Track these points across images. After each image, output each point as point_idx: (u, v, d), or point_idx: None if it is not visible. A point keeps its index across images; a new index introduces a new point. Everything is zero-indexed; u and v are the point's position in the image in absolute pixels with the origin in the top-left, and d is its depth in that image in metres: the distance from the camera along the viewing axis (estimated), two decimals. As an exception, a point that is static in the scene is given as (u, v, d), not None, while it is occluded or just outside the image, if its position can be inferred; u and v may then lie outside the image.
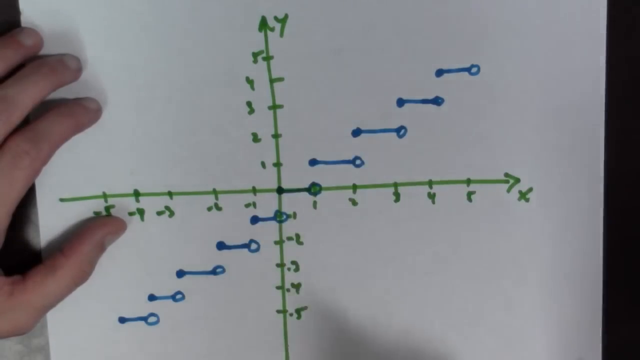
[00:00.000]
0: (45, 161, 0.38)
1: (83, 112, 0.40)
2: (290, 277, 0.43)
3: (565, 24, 0.40)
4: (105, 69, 0.40)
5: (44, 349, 0.43)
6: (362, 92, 0.41)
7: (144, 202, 0.42)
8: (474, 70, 0.41)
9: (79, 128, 0.40)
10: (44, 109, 0.39)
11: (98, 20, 0.40)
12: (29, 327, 0.39)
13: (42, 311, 0.39)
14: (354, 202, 0.42)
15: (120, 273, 0.42)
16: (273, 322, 0.43)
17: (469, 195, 0.42)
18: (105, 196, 0.41)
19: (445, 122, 0.41)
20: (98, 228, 0.41)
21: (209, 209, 0.42)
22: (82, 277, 0.40)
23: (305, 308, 0.43)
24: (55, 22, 0.40)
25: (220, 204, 0.42)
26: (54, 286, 0.39)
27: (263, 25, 0.40)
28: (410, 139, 0.41)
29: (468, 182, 0.42)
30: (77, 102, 0.40)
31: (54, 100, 0.40)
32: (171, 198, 0.42)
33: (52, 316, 0.42)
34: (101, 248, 0.40)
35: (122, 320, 0.42)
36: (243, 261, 0.42)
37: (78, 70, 0.40)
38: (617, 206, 0.42)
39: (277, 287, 0.43)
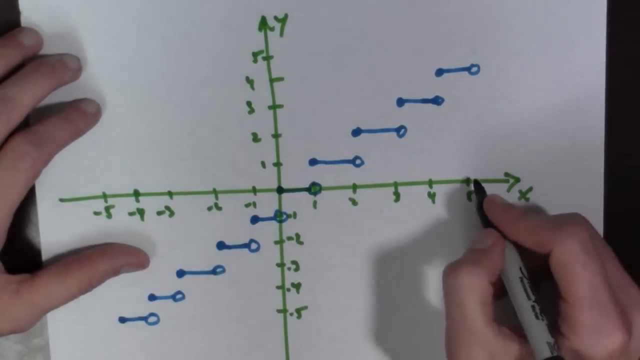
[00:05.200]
0: (45, 164, 0.38)
1: (82, 119, 0.40)
2: (291, 277, 0.43)
3: (565, 24, 0.40)
4: (105, 69, 0.40)
5: (44, 349, 0.43)
6: (362, 92, 0.41)
7: (144, 202, 0.42)
8: (474, 69, 0.41)
9: (79, 134, 0.40)
10: (45, 113, 0.39)
11: (98, 20, 0.40)
12: (29, 325, 0.39)
13: (43, 312, 0.39)
14: (354, 202, 0.42)
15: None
16: (273, 321, 0.43)
17: (469, 194, 0.42)
18: (105, 196, 0.41)
19: (445, 121, 0.41)
20: (123, 255, 0.41)
21: (209, 208, 0.42)
22: (88, 289, 0.40)
23: (305, 308, 0.43)
24: (55, 22, 0.40)
25: (220, 204, 0.42)
26: (61, 290, 0.39)
27: (263, 25, 0.40)
28: (410, 139, 0.41)
29: (468, 181, 0.42)
30: (77, 107, 0.40)
31: (54, 102, 0.40)
32: (171, 198, 0.42)
33: (52, 316, 0.42)
34: (116, 272, 0.41)
35: (123, 320, 0.42)
36: (243, 261, 0.42)
37: (78, 70, 0.40)
38: (617, 206, 0.42)
39: (278, 287, 0.43)
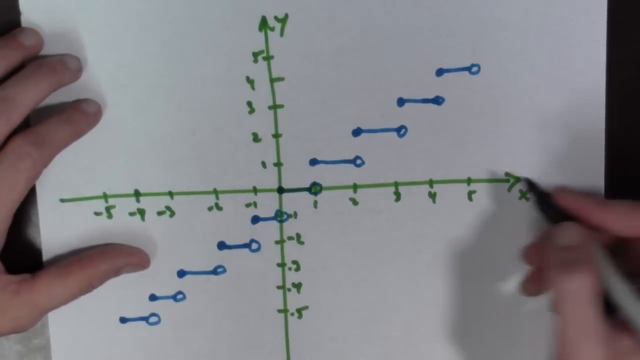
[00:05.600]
0: (46, 164, 0.38)
1: (83, 119, 0.40)
2: (291, 277, 0.43)
3: (565, 24, 0.40)
4: (105, 69, 0.40)
5: (44, 349, 0.43)
6: (363, 92, 0.41)
7: (145, 202, 0.42)
8: (474, 69, 0.41)
9: (79, 135, 0.40)
10: (45, 113, 0.39)
11: (98, 20, 0.40)
12: (30, 325, 0.39)
13: (44, 312, 0.39)
14: (355, 202, 0.42)
15: (121, 273, 0.42)
16: (274, 321, 0.43)
17: (470, 194, 0.42)
18: (105, 196, 0.41)
19: (445, 121, 0.41)
20: (124, 255, 0.41)
21: (210, 208, 0.42)
22: (89, 289, 0.40)
23: (306, 307, 0.43)
24: (55, 22, 0.40)
25: (221, 204, 0.42)
26: (61, 291, 0.39)
27: (263, 25, 0.40)
28: (411, 139, 0.41)
29: (469, 181, 0.42)
30: (78, 108, 0.40)
31: (55, 102, 0.40)
32: (172, 198, 0.42)
33: (52, 316, 0.42)
34: (117, 273, 0.41)
35: (123, 320, 0.42)
36: (244, 261, 0.42)
37: (78, 71, 0.40)
38: (617, 206, 0.42)
39: (278, 287, 0.43)
